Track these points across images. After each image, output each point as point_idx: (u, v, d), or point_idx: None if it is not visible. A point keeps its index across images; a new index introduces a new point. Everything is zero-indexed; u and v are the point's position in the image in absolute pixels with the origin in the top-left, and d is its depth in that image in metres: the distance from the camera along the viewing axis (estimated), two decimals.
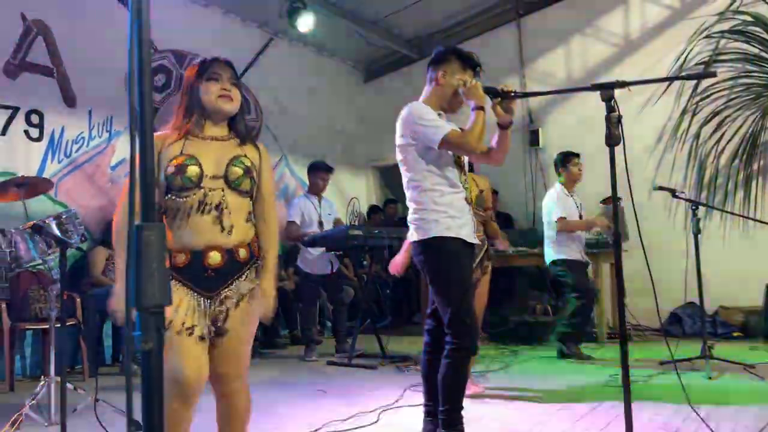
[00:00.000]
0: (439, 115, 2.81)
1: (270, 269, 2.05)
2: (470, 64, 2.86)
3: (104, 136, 5.68)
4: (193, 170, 1.93)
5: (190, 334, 1.89)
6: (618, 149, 2.31)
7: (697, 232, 4.40)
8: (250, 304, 2.00)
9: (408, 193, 2.81)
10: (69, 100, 5.40)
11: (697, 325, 5.80)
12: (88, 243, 5.00)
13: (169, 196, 1.93)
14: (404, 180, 2.83)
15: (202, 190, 1.94)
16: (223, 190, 1.97)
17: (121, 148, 5.76)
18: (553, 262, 5.14)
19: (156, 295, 0.71)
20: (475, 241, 2.80)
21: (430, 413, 2.80)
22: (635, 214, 2.52)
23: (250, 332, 2.03)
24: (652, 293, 2.61)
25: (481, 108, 2.69)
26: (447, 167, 2.74)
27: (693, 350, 4.40)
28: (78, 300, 4.64)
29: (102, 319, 4.92)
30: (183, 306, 1.90)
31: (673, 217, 6.04)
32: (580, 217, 5.19)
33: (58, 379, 3.11)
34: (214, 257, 1.93)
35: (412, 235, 2.76)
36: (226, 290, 1.96)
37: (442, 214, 2.67)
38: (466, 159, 2.90)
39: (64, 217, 2.99)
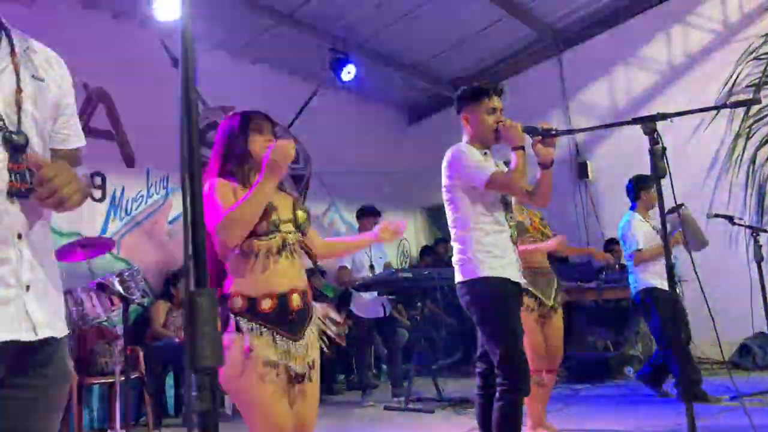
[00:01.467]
0: (485, 154, 2.85)
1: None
2: (483, 92, 2.86)
3: (161, 193, 5.92)
4: (275, 214, 2.00)
5: (286, 380, 1.93)
6: (667, 180, 2.29)
7: (759, 259, 4.24)
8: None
9: (452, 233, 2.84)
10: (128, 160, 5.69)
11: None
12: (149, 298, 5.18)
13: (252, 239, 1.95)
14: (449, 220, 2.87)
15: (281, 234, 2.00)
16: (294, 234, 2.05)
17: (178, 203, 5.98)
18: (638, 293, 4.69)
19: (209, 357, 0.76)
20: (521, 280, 2.79)
21: None
22: (688, 246, 2.48)
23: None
24: (713, 324, 2.55)
25: (520, 148, 2.71)
26: (492, 206, 2.77)
27: (765, 383, 4.19)
28: (141, 353, 4.78)
29: (164, 371, 5.05)
30: (272, 352, 1.90)
31: (734, 244, 5.84)
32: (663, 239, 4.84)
33: (124, 431, 3.20)
34: (296, 300, 1.97)
35: (457, 276, 2.77)
36: (306, 334, 2.00)
37: (486, 254, 2.67)
38: (512, 197, 2.92)
39: (125, 274, 3.14)
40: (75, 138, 1.45)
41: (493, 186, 2.67)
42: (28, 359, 1.24)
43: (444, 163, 2.84)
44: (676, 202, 2.52)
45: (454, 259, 2.81)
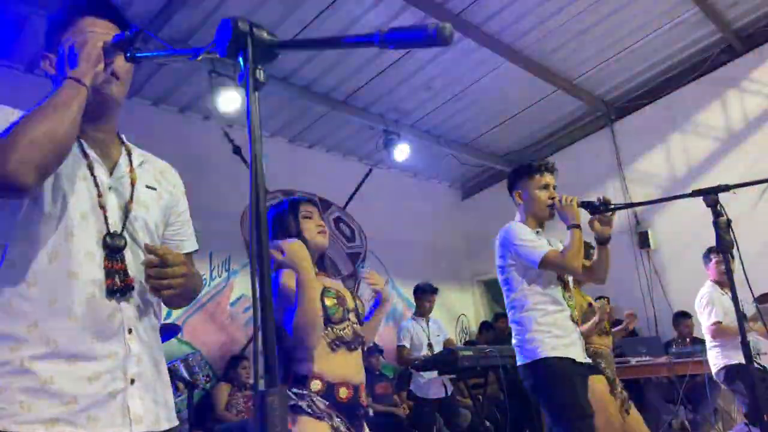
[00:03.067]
0: (537, 233, 2.85)
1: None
2: (535, 169, 2.91)
3: (223, 276, 6.08)
4: (348, 302, 2.05)
5: None
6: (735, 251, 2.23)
7: None
8: None
9: (510, 314, 2.81)
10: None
11: None
12: (212, 381, 5.23)
13: (329, 328, 1.96)
14: (506, 301, 2.84)
15: (349, 323, 2.03)
16: (356, 324, 2.07)
17: (239, 285, 6.12)
18: (719, 370, 4.43)
19: None
20: (587, 360, 2.71)
21: None
22: (763, 321, 2.37)
23: None
24: None
25: (576, 226, 2.69)
26: (549, 285, 2.74)
27: None
28: None
29: None
30: None
31: None
32: (739, 315, 4.59)
33: None
34: (363, 395, 1.99)
35: (518, 359, 2.71)
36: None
37: (546, 333, 2.62)
38: (570, 276, 2.87)
39: (190, 359, 3.20)
40: (189, 243, 1.58)
41: (547, 265, 2.65)
42: None
43: (497, 243, 2.85)
44: (746, 274, 2.42)
45: (514, 341, 2.76)
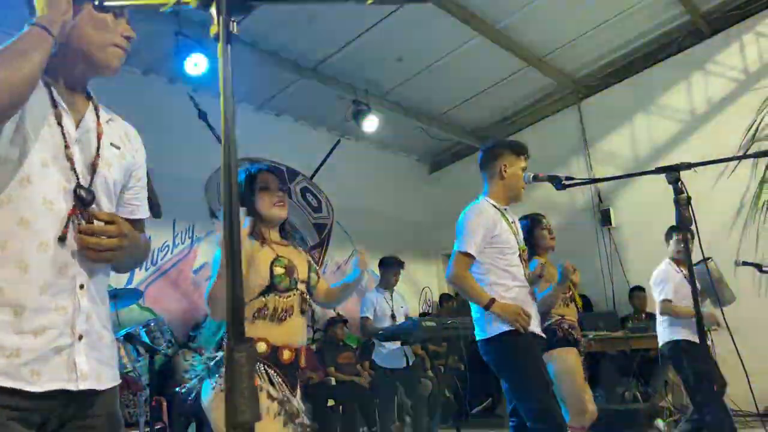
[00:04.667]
0: (505, 210, 2.93)
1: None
2: (524, 151, 3.02)
3: (187, 243, 6.01)
4: (298, 273, 2.11)
5: (286, 424, 2.00)
6: (693, 228, 2.29)
7: None
8: None
9: None
10: (155, 211, 5.78)
11: None
12: (174, 348, 5.19)
13: (272, 295, 2.04)
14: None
15: (299, 292, 2.10)
16: (305, 293, 2.13)
17: (203, 253, 6.06)
18: (665, 344, 4.56)
19: (246, 412, 0.77)
20: (541, 333, 2.81)
21: None
22: (716, 295, 2.45)
23: None
24: (746, 375, 2.50)
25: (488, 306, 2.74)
26: (509, 261, 2.82)
27: None
28: (165, 404, 4.77)
29: (188, 421, 5.01)
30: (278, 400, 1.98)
31: (764, 293, 5.72)
32: (693, 291, 4.73)
33: None
34: (303, 358, 2.08)
35: (478, 333, 2.78)
36: (297, 390, 2.10)
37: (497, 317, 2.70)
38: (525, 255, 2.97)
39: (152, 324, 3.17)
40: (142, 210, 1.55)
41: (456, 256, 2.80)
42: (77, 408, 1.27)
43: (459, 221, 2.92)
44: (702, 252, 2.50)
45: (475, 315, 2.82)
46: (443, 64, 6.68)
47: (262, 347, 1.97)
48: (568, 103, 7.78)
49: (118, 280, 5.21)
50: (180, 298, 5.78)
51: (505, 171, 2.96)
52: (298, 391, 2.10)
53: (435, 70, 6.78)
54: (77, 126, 1.36)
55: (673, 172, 2.36)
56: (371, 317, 5.62)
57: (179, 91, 6.04)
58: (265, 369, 1.97)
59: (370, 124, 6.84)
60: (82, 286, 1.28)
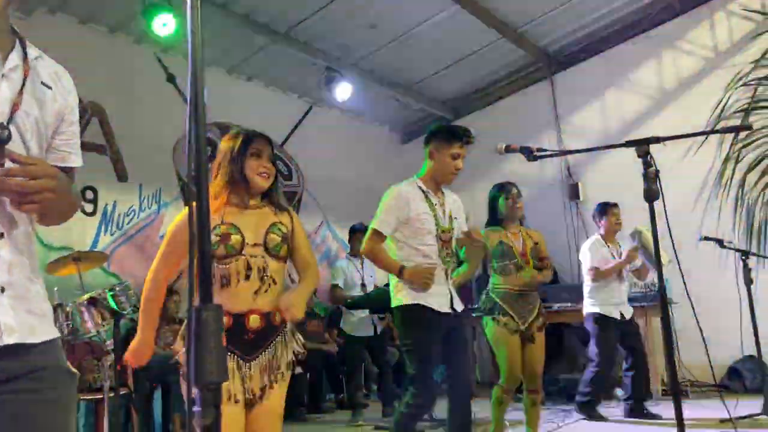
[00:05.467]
0: (429, 192, 3.09)
1: (304, 287, 2.21)
2: (455, 136, 3.09)
3: (153, 208, 5.91)
4: (235, 239, 2.06)
5: (236, 401, 1.98)
6: (659, 203, 2.32)
7: (748, 282, 4.29)
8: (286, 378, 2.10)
9: None
10: (121, 174, 5.67)
11: (757, 379, 5.54)
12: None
13: (214, 264, 2.02)
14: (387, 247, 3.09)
15: (244, 257, 2.06)
16: (263, 257, 2.09)
17: (170, 218, 5.96)
18: (586, 316, 5.02)
19: (213, 372, 0.76)
20: (449, 310, 2.95)
21: None
22: (680, 269, 2.50)
23: (283, 404, 2.13)
24: (705, 347, 2.56)
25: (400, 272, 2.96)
26: (422, 240, 2.98)
27: (754, 406, 4.20)
28: (129, 369, 4.73)
29: (153, 388, 4.99)
30: (236, 376, 1.99)
31: (724, 268, 5.87)
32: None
33: None
34: (254, 320, 2.03)
35: (392, 301, 3.00)
36: (264, 354, 2.05)
37: (410, 282, 2.89)
38: (457, 231, 3.10)
39: (117, 289, 3.12)
40: (74, 157, 1.44)
41: (368, 234, 3.00)
42: (15, 365, 1.20)
43: (381, 199, 3.11)
44: (668, 224, 2.54)
45: (390, 286, 3.04)
46: (417, 33, 6.61)
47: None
48: (540, 76, 7.79)
49: (82, 243, 5.11)
50: (146, 263, 5.66)
51: (434, 155, 3.10)
52: (262, 355, 2.05)
53: (409, 39, 6.71)
54: (3, 63, 1.26)
55: (642, 146, 2.40)
56: (341, 285, 5.63)
57: (147, 51, 5.87)
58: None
59: (343, 91, 6.76)
60: (2, 235, 1.20)
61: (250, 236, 2.09)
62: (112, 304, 3.00)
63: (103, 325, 3.27)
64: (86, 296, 3.08)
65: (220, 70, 6.65)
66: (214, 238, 2.02)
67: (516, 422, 4.09)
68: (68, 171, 1.41)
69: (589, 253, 4.99)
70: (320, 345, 6.20)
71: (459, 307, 3.02)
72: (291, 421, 5.56)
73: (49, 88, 1.34)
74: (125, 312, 3.10)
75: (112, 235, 5.52)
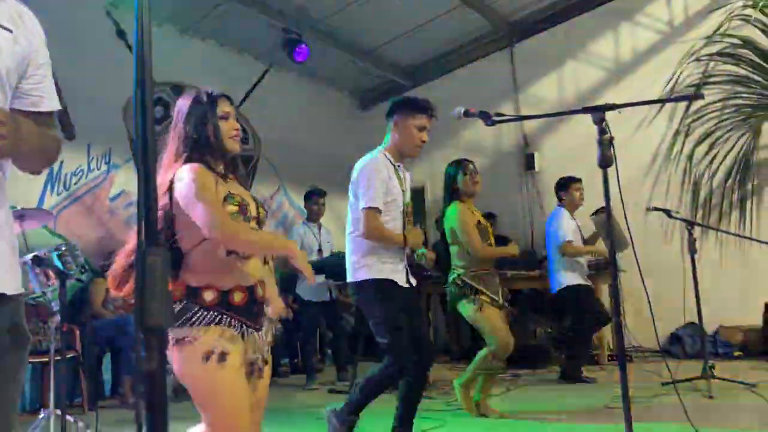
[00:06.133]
0: (398, 167, 3.09)
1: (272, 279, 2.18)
2: (421, 108, 3.09)
3: (103, 169, 5.72)
4: (251, 210, 2.01)
5: (260, 376, 1.98)
6: (612, 172, 2.36)
7: (693, 252, 4.44)
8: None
9: (350, 234, 3.06)
10: (68, 133, 5.46)
11: (697, 345, 5.78)
12: (88, 274, 5.01)
13: None
14: (349, 222, 3.09)
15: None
16: (257, 230, 2.04)
17: (120, 180, 5.79)
18: (564, 289, 5.07)
19: (159, 316, 0.73)
20: (405, 285, 3.01)
21: None
22: (630, 237, 2.56)
23: None
24: (651, 314, 2.64)
25: (405, 241, 3.03)
26: (392, 215, 3.01)
27: (694, 370, 4.39)
28: (77, 332, 4.63)
29: (102, 351, 4.90)
30: (240, 346, 1.90)
31: (670, 238, 6.07)
32: (583, 240, 5.19)
33: (58, 412, 3.10)
34: (260, 291, 1.99)
35: (349, 276, 3.02)
36: (265, 322, 2.03)
37: (375, 258, 2.94)
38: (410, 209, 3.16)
39: (63, 248, 3.02)
40: (47, 101, 1.36)
41: (365, 218, 2.93)
42: None
43: (359, 166, 3.06)
44: (620, 193, 2.58)
45: (348, 260, 3.02)
46: None
47: (209, 295, 1.87)
48: (500, 45, 7.79)
49: (27, 201, 4.92)
50: (95, 225, 5.54)
51: (398, 127, 3.07)
52: (267, 325, 2.04)
53: (369, 2, 6.60)
54: None
55: (598, 113, 2.42)
56: None
57: (95, 4, 5.62)
58: (216, 315, 1.86)
59: (301, 54, 6.62)
60: None
61: (252, 209, 2.04)
62: (58, 264, 2.90)
63: (49, 286, 3.17)
64: (30, 255, 2.97)
65: (174, 29, 6.42)
66: (231, 208, 1.93)
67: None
68: (45, 116, 1.35)
69: (563, 228, 5.03)
70: None
71: (413, 282, 3.10)
72: None
73: (10, 31, 1.25)
74: (72, 272, 3.00)
75: (58, 195, 5.33)
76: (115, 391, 5.26)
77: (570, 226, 5.06)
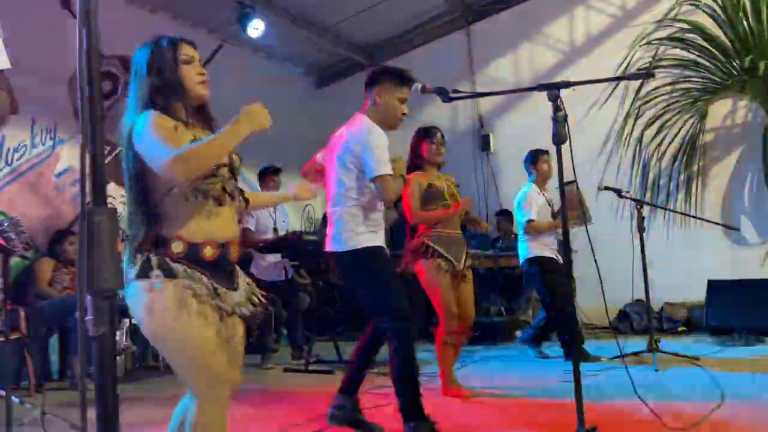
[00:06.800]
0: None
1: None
2: (405, 80, 3.03)
3: (48, 144, 5.51)
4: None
5: (221, 324, 1.81)
6: (566, 151, 2.39)
7: (641, 230, 4.57)
8: None
9: (335, 203, 2.95)
10: (10, 106, 5.21)
11: (644, 321, 5.97)
12: (33, 252, 4.84)
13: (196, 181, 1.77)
14: (332, 191, 2.97)
15: (219, 179, 1.85)
16: (231, 179, 1.91)
17: (66, 156, 5.59)
18: (526, 261, 4.97)
19: (109, 279, 0.70)
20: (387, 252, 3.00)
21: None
22: (584, 215, 2.61)
23: None
24: (602, 292, 2.71)
25: (402, 177, 2.98)
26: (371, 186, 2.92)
27: (641, 345, 4.54)
28: (23, 313, 4.47)
29: (49, 332, 4.75)
30: (209, 299, 1.78)
31: (620, 217, 6.24)
32: (553, 214, 5.10)
33: (3, 393, 2.99)
34: (234, 251, 1.87)
35: (334, 246, 2.91)
36: (241, 285, 1.91)
37: (362, 227, 2.87)
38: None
39: (6, 224, 2.89)
40: None
41: (379, 183, 2.80)
42: None
43: (356, 136, 2.90)
44: (574, 170, 2.62)
45: (333, 230, 2.93)
46: None
47: (178, 247, 1.74)
48: (457, 26, 7.79)
49: None
50: (39, 203, 5.34)
51: (380, 98, 2.99)
52: (240, 284, 1.92)
53: None
54: None
55: (553, 90, 2.45)
56: (253, 228, 5.52)
57: None
58: (184, 269, 1.74)
59: (255, 28, 6.49)
60: None
61: None
62: (0, 239, 2.78)
63: None
64: None
65: (121, 0, 6.20)
66: None
67: (425, 362, 4.21)
68: None
69: (529, 205, 4.87)
70: None
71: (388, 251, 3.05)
72: None
73: None
74: (16, 250, 2.88)
75: (0, 170, 5.11)
76: (63, 373, 5.13)
77: (537, 201, 4.91)
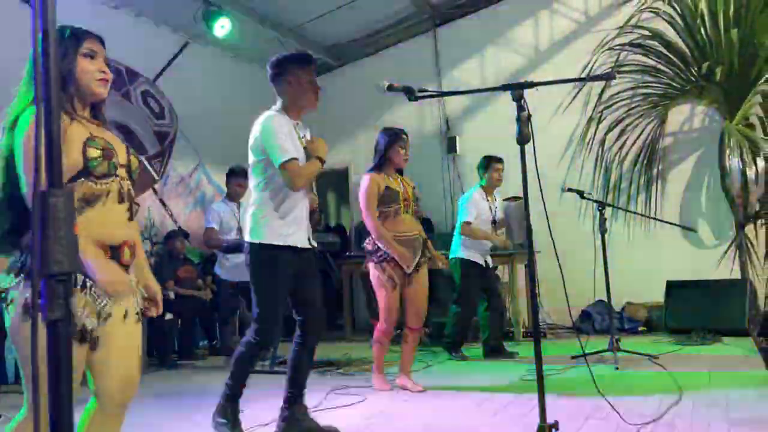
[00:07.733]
0: (297, 125, 3.00)
1: (146, 264, 1.99)
2: (310, 60, 3.06)
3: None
4: (118, 157, 1.80)
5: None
6: (529, 152, 2.41)
7: (603, 231, 4.65)
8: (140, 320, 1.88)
9: (255, 196, 2.94)
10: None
11: (605, 321, 6.07)
12: None
13: (83, 180, 1.70)
14: (253, 181, 2.97)
15: (117, 179, 1.79)
16: (127, 181, 1.84)
17: None
18: (452, 258, 5.15)
19: (64, 262, 0.68)
20: (308, 245, 2.96)
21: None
22: (547, 217, 2.63)
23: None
24: (565, 293, 2.74)
25: (321, 160, 2.92)
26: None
27: (602, 344, 4.62)
28: None
29: (3, 336, 4.61)
30: (90, 309, 1.71)
31: (582, 219, 6.34)
32: (493, 221, 5.20)
33: None
34: (127, 254, 1.79)
35: (246, 234, 2.91)
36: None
37: (277, 219, 2.84)
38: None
39: None
40: None
41: (284, 171, 2.79)
42: None
43: (255, 132, 2.95)
44: (537, 171, 2.65)
45: (248, 218, 2.92)
46: None
47: None
48: (425, 28, 7.84)
49: None
50: None
51: (293, 83, 2.98)
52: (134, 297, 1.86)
53: None
54: None
55: (517, 90, 2.48)
56: (217, 228, 5.45)
57: None
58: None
59: (222, 28, 6.43)
60: None
61: (120, 156, 1.82)
62: None
63: None
64: None
65: None
66: (93, 152, 1.71)
67: (389, 362, 4.22)
68: None
69: (470, 207, 5.06)
70: (193, 292, 6.02)
71: (314, 243, 3.02)
72: (162, 368, 5.39)
73: None
74: None
75: None
76: (18, 377, 4.98)
77: (479, 207, 5.08)
